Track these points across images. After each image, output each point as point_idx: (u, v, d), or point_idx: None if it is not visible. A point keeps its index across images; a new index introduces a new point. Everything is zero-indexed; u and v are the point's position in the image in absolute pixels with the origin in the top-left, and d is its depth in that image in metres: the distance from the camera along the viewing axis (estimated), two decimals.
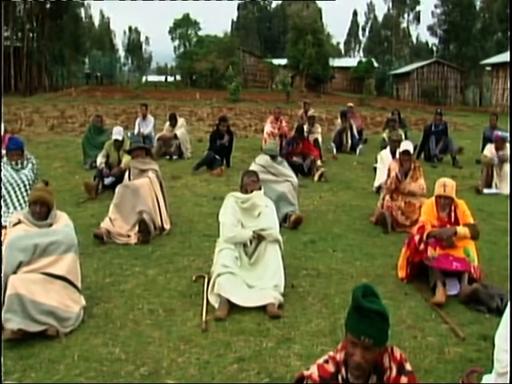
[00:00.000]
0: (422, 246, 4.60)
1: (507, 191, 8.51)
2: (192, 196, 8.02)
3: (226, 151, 10.19)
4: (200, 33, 52.24)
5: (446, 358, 3.42)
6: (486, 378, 2.95)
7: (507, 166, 8.75)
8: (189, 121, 16.99)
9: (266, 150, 7.07)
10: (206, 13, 66.63)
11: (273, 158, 6.89)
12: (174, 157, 11.08)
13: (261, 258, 4.42)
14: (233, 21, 79.81)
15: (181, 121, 11.68)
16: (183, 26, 53.90)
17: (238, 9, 79.62)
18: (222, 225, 4.53)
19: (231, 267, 4.23)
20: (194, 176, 9.41)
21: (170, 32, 55.69)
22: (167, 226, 6.11)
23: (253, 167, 6.53)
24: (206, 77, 43.91)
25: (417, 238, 4.64)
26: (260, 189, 4.80)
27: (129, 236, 5.71)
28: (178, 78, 51.96)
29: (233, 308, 4.04)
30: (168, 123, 11.66)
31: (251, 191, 4.66)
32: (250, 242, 4.46)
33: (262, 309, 4.03)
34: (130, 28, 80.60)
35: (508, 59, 33.67)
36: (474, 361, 3.36)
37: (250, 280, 4.29)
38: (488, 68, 39.70)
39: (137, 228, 5.77)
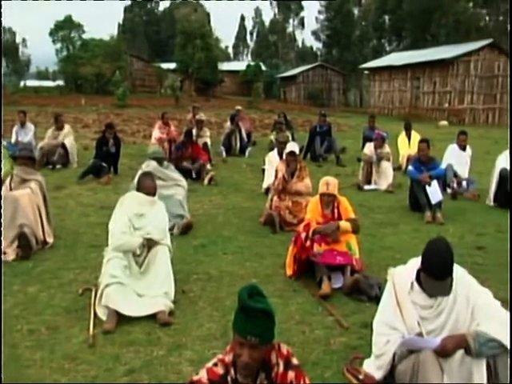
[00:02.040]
0: (308, 243, 4.76)
1: (384, 187, 9.16)
2: (77, 206, 7.65)
3: (113, 158, 9.91)
4: (84, 36, 49.97)
5: (331, 349, 3.58)
6: (366, 363, 3.14)
7: (385, 164, 9.41)
8: (74, 127, 16.17)
9: (151, 154, 6.95)
10: (91, 15, 64.00)
11: (159, 161, 6.78)
12: (58, 166, 10.53)
13: (151, 265, 4.32)
14: (119, 24, 77.59)
15: (67, 127, 11.09)
16: (65, 29, 51.23)
17: (125, 11, 77.64)
18: (110, 232, 4.37)
19: (120, 277, 4.09)
20: (80, 185, 9.01)
21: (51, 34, 52.72)
22: (50, 240, 5.77)
23: None
24: (92, 82, 42.20)
25: (303, 235, 4.79)
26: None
27: (5, 253, 5.29)
28: (60, 82, 49.25)
29: (122, 319, 3.91)
30: (53, 127, 10.98)
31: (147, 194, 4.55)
32: (140, 251, 4.35)
33: (152, 317, 3.95)
34: (3, 28, 75.27)
35: (381, 64, 36.27)
36: (357, 348, 3.55)
37: (140, 289, 4.18)
38: (366, 72, 42.42)
39: (16, 243, 5.39)
